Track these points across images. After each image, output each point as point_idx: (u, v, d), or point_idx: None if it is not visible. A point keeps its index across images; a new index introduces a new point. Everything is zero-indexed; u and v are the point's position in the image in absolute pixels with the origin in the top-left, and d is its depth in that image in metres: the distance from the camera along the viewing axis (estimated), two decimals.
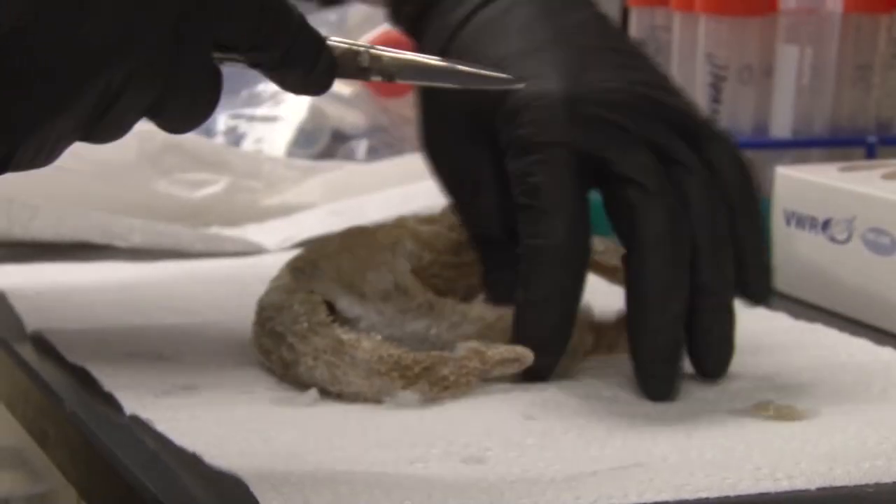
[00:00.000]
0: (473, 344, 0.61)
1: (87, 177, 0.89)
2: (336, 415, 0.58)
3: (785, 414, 0.58)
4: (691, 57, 0.93)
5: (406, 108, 1.08)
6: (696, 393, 0.60)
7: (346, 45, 0.59)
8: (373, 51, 0.59)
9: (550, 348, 0.61)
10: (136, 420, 0.57)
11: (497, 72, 0.61)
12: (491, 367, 0.61)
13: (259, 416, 0.58)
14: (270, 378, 0.62)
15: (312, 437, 0.55)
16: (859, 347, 0.68)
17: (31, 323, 0.68)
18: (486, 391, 0.61)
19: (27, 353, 0.66)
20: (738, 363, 0.64)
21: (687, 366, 0.62)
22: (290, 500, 0.49)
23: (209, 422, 0.57)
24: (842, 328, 0.71)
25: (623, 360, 0.63)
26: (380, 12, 1.11)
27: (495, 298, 0.64)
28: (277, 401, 0.60)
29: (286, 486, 0.50)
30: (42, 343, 0.67)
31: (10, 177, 0.80)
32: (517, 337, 0.61)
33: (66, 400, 0.60)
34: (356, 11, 1.11)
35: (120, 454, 0.55)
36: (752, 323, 0.72)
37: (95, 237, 0.85)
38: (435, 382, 0.60)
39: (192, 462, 0.53)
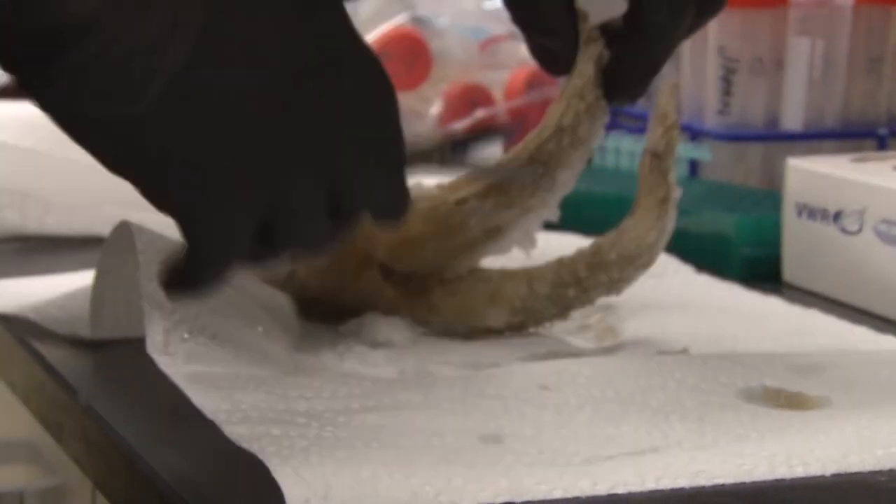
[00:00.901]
0: None
1: (101, 171, 0.90)
2: (352, 384, 0.58)
3: (796, 403, 0.59)
4: (703, 49, 0.93)
5: (417, 101, 1.08)
6: (707, 375, 0.61)
7: None
8: None
9: None
10: (148, 393, 0.57)
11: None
12: None
13: (278, 381, 0.58)
14: (286, 354, 0.62)
15: (330, 408, 0.55)
16: (861, 335, 0.68)
17: (47, 321, 0.68)
18: (502, 359, 0.62)
19: (43, 346, 0.67)
20: (746, 347, 0.64)
21: (690, 347, 0.64)
22: (312, 485, 0.49)
23: (228, 385, 0.57)
24: (841, 315, 0.71)
25: (628, 338, 0.64)
26: (391, 5, 1.11)
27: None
28: (294, 375, 0.60)
29: (307, 469, 0.50)
30: (55, 336, 0.67)
31: (24, 170, 0.80)
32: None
33: (81, 392, 0.60)
34: (367, 5, 1.11)
35: (135, 446, 0.55)
36: (758, 308, 0.72)
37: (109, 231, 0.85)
38: None
39: (209, 452, 0.54)
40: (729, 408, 0.58)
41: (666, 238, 0.68)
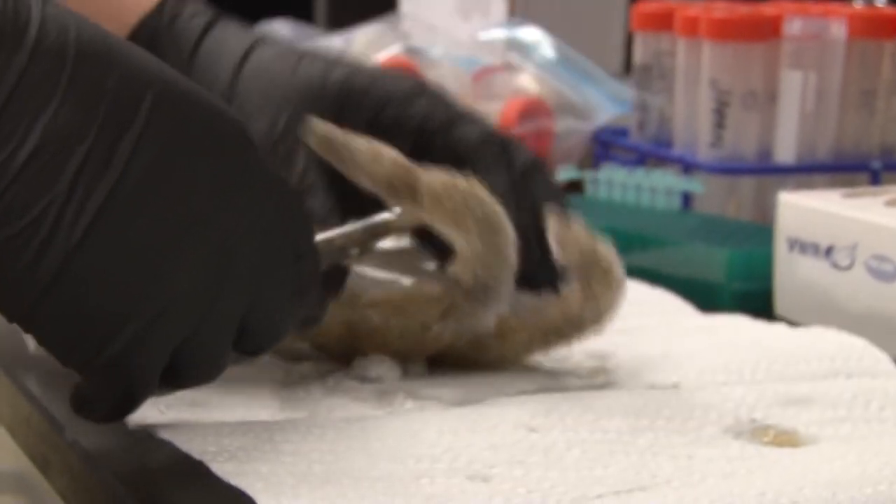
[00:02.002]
0: None
1: None
2: (340, 425, 0.58)
3: (784, 440, 0.58)
4: (695, 82, 0.93)
5: None
6: (696, 412, 0.60)
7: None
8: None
9: None
10: (139, 438, 0.57)
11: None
12: None
13: (266, 425, 0.58)
14: (275, 391, 0.62)
15: (318, 449, 0.56)
16: (856, 355, 0.68)
17: (35, 348, 0.68)
18: (491, 395, 0.62)
19: (29, 378, 0.66)
20: (736, 377, 0.64)
21: (681, 380, 0.63)
22: None
23: (214, 432, 0.57)
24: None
25: (620, 368, 0.64)
26: (385, 35, 1.11)
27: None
28: (283, 415, 0.61)
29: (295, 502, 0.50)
30: (44, 369, 0.67)
31: None
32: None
33: (68, 427, 0.60)
34: (362, 36, 1.11)
35: (120, 482, 0.55)
36: (750, 333, 0.72)
37: None
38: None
39: (195, 488, 0.53)
40: (718, 445, 0.58)
41: (623, 289, 0.65)
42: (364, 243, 0.63)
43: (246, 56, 0.69)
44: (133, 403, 0.55)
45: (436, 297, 0.63)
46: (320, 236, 0.61)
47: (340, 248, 0.63)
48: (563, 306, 0.64)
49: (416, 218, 0.63)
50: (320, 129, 0.62)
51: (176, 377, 0.56)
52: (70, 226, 0.51)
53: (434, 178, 0.62)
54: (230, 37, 0.70)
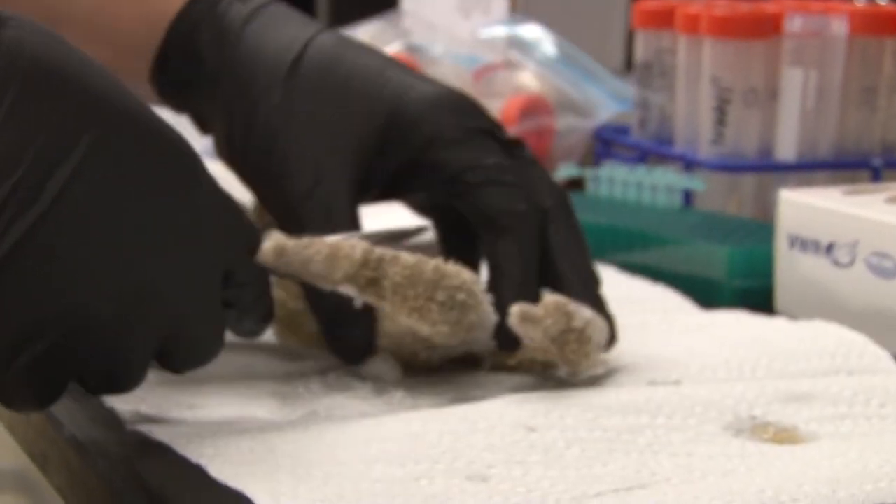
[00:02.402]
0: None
1: None
2: (339, 425, 0.58)
3: (784, 437, 0.58)
4: (696, 80, 0.93)
5: None
6: (696, 408, 0.60)
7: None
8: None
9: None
10: (137, 438, 0.57)
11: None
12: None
13: (263, 427, 0.58)
14: (273, 394, 0.62)
15: (317, 450, 0.55)
16: (857, 351, 0.68)
17: None
18: (490, 394, 0.62)
19: None
20: (737, 374, 0.64)
21: (681, 378, 0.63)
22: None
23: (212, 433, 0.57)
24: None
25: (620, 365, 0.64)
26: (386, 33, 1.11)
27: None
28: (281, 414, 0.60)
29: None
30: None
31: None
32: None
33: (66, 424, 0.60)
34: (362, 34, 1.11)
35: (118, 480, 0.55)
36: (754, 326, 0.72)
37: None
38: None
39: (194, 486, 0.53)
40: (717, 443, 0.58)
41: (604, 341, 0.64)
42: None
43: (298, 59, 0.66)
44: (44, 403, 0.54)
45: (421, 338, 0.63)
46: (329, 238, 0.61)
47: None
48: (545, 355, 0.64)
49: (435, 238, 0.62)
50: (269, 251, 0.59)
51: (87, 386, 0.55)
52: None
53: (398, 267, 0.61)
54: (280, 29, 0.67)
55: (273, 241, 0.59)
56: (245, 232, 0.58)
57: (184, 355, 0.56)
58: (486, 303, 0.62)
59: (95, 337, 0.53)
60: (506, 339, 0.63)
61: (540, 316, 0.61)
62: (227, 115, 0.67)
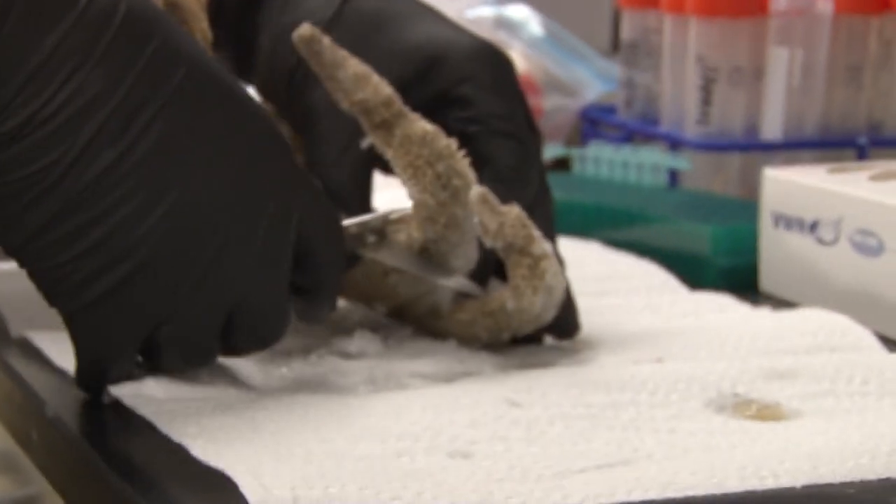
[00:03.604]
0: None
1: None
2: (322, 403, 0.58)
3: (767, 414, 0.58)
4: (682, 59, 0.93)
5: None
6: (679, 385, 0.60)
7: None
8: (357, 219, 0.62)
9: None
10: (120, 418, 0.57)
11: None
12: None
13: (247, 404, 0.58)
14: (257, 373, 0.63)
15: (299, 429, 0.56)
16: (839, 330, 0.68)
17: (16, 327, 0.68)
18: (473, 370, 0.62)
19: (11, 356, 0.66)
20: (718, 352, 0.64)
21: (664, 355, 0.64)
22: (280, 500, 0.49)
23: (195, 410, 0.57)
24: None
25: (603, 343, 0.64)
26: None
27: None
28: (264, 390, 0.61)
29: (275, 483, 0.50)
30: (27, 346, 0.67)
31: None
32: None
33: (49, 403, 0.60)
34: None
35: (102, 459, 0.55)
36: (736, 314, 0.72)
37: None
38: None
39: (176, 465, 0.53)
40: (700, 419, 0.58)
41: (556, 297, 0.63)
42: (381, 232, 0.63)
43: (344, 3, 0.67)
44: (108, 365, 0.57)
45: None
46: None
47: (356, 236, 0.63)
48: (499, 297, 0.64)
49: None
50: (307, 32, 0.61)
51: (157, 357, 0.57)
52: (74, 180, 0.54)
53: (417, 125, 0.61)
54: None
55: (313, 28, 0.60)
56: (324, 209, 0.59)
57: (248, 331, 0.58)
58: (474, 218, 0.62)
59: (163, 282, 0.55)
60: (479, 276, 0.63)
61: (501, 209, 0.61)
62: (274, 29, 0.68)
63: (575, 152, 0.94)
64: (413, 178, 0.61)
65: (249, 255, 0.57)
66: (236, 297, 0.57)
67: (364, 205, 0.66)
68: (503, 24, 1.09)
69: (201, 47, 0.58)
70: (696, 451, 0.54)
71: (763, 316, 0.71)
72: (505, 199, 0.62)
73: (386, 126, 0.61)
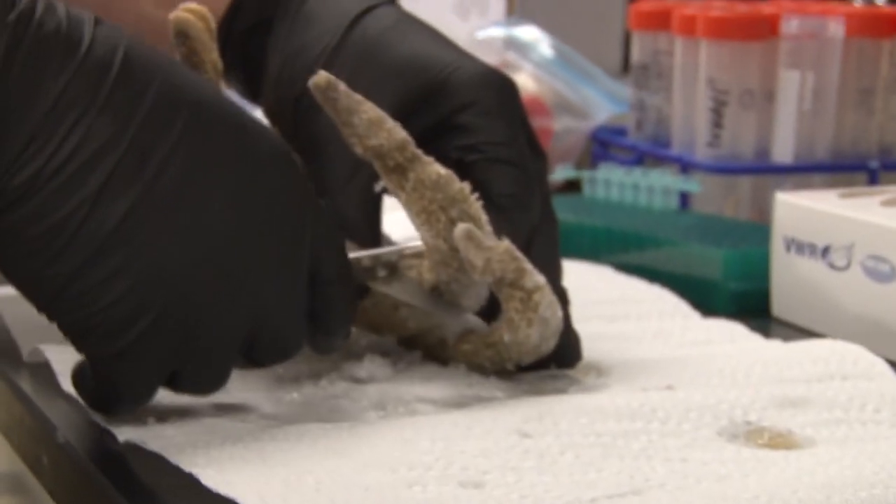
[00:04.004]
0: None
1: None
2: (331, 432, 0.58)
3: (779, 442, 0.58)
4: (693, 81, 0.93)
5: None
6: (690, 414, 0.60)
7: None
8: (371, 252, 0.63)
9: None
10: (130, 445, 0.57)
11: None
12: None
13: (256, 434, 0.58)
14: (266, 400, 0.62)
15: (309, 457, 0.55)
16: (851, 358, 0.67)
17: (28, 350, 0.68)
18: (480, 400, 0.62)
19: (23, 379, 0.66)
20: (730, 380, 0.64)
21: (675, 383, 0.63)
22: None
23: (204, 442, 0.57)
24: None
25: (614, 371, 0.64)
26: None
27: None
28: (274, 420, 0.60)
29: None
30: (38, 371, 0.67)
31: None
32: None
33: (60, 428, 0.60)
34: None
35: (111, 484, 0.55)
36: (748, 344, 0.72)
37: None
38: None
39: (186, 493, 0.53)
40: (712, 448, 0.57)
41: (553, 327, 0.63)
42: (393, 266, 0.63)
43: (357, 20, 0.68)
44: (131, 400, 0.58)
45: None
46: (349, 255, 0.61)
47: (368, 269, 0.63)
48: (498, 330, 0.63)
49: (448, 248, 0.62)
50: (322, 80, 0.61)
51: (178, 382, 0.58)
52: (96, 227, 0.54)
53: (431, 169, 0.61)
54: None
55: (328, 75, 0.60)
56: (333, 230, 0.60)
57: (267, 347, 0.58)
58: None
59: (190, 315, 0.56)
60: (489, 312, 0.63)
61: (487, 245, 0.61)
62: (281, 55, 0.68)
63: (585, 174, 0.94)
64: (426, 223, 0.61)
65: (269, 280, 0.57)
66: (257, 320, 0.58)
67: (373, 231, 0.66)
68: (513, 45, 1.09)
69: (206, 82, 0.58)
70: (709, 480, 0.54)
71: (775, 346, 0.71)
72: (505, 228, 0.62)
73: (400, 170, 0.61)
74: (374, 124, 0.61)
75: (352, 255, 0.62)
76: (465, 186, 0.62)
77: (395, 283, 0.63)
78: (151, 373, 0.57)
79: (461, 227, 0.61)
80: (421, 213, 0.61)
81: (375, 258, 0.63)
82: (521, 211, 0.64)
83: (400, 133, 0.61)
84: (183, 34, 0.63)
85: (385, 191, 0.63)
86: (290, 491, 0.52)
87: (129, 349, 0.56)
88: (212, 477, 0.54)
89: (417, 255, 0.63)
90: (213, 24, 0.64)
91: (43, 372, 0.66)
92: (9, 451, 0.68)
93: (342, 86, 0.61)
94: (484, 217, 0.62)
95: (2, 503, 0.78)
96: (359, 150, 0.61)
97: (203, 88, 0.57)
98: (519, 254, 0.62)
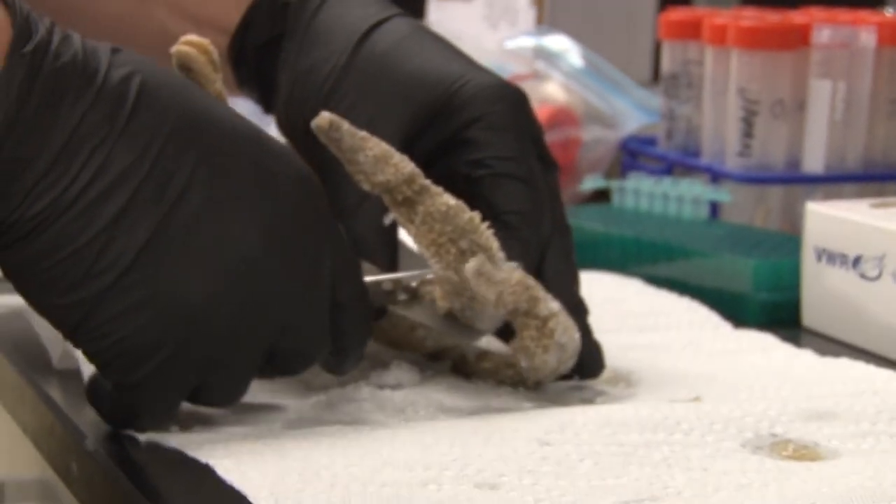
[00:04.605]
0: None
1: None
2: (352, 433, 0.59)
3: (804, 454, 0.58)
4: (723, 91, 0.92)
5: None
6: (715, 425, 0.60)
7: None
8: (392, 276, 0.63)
9: None
10: (152, 447, 0.58)
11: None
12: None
13: (276, 433, 0.59)
14: (292, 403, 0.63)
15: (327, 453, 0.56)
16: (882, 378, 0.67)
17: (58, 356, 0.69)
18: (509, 405, 0.62)
19: (52, 387, 0.67)
20: (759, 394, 0.63)
21: (702, 395, 0.63)
22: None
23: (225, 440, 0.57)
24: (867, 362, 0.70)
25: (641, 383, 0.64)
26: None
27: None
28: (293, 418, 0.61)
29: None
30: (68, 379, 0.67)
31: None
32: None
33: (89, 436, 0.60)
34: None
35: (140, 492, 0.55)
36: (778, 356, 0.71)
37: None
38: None
39: (209, 499, 0.53)
40: (734, 458, 0.57)
41: (570, 351, 0.63)
42: (413, 291, 0.63)
43: (366, 35, 0.67)
44: (151, 421, 0.58)
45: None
46: (369, 279, 0.61)
47: (388, 293, 0.63)
48: (516, 353, 0.63)
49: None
50: (324, 122, 0.61)
51: (199, 397, 0.58)
52: (116, 254, 0.54)
53: (440, 200, 0.61)
54: (358, 6, 0.68)
55: (331, 115, 0.60)
56: (350, 253, 0.60)
57: (287, 361, 0.59)
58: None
59: (212, 342, 0.56)
60: (506, 332, 0.63)
61: (499, 278, 0.61)
62: (291, 74, 0.68)
63: (614, 184, 0.94)
64: (436, 255, 0.61)
65: (291, 301, 0.57)
66: (280, 332, 0.58)
67: (389, 251, 0.66)
68: (543, 54, 1.09)
69: (223, 105, 0.58)
70: (728, 489, 0.54)
71: (805, 361, 0.71)
72: (515, 246, 0.62)
73: (408, 203, 0.61)
74: (380, 160, 0.61)
75: (373, 278, 0.62)
76: (475, 216, 0.61)
77: (415, 306, 0.63)
78: (172, 395, 0.57)
79: (471, 265, 0.60)
80: (430, 246, 0.61)
81: (396, 282, 0.63)
82: (530, 228, 0.64)
83: (407, 166, 0.61)
84: (185, 67, 0.63)
85: (395, 222, 0.63)
86: (305, 486, 0.52)
87: (150, 377, 0.56)
88: (228, 468, 0.54)
89: (437, 280, 0.63)
90: (216, 56, 0.64)
91: (72, 380, 0.66)
92: (39, 459, 0.68)
93: (345, 125, 0.60)
94: (495, 245, 0.61)
95: None
96: (366, 186, 0.61)
97: (221, 112, 0.57)
98: (532, 281, 0.62)
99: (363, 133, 0.61)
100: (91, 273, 0.54)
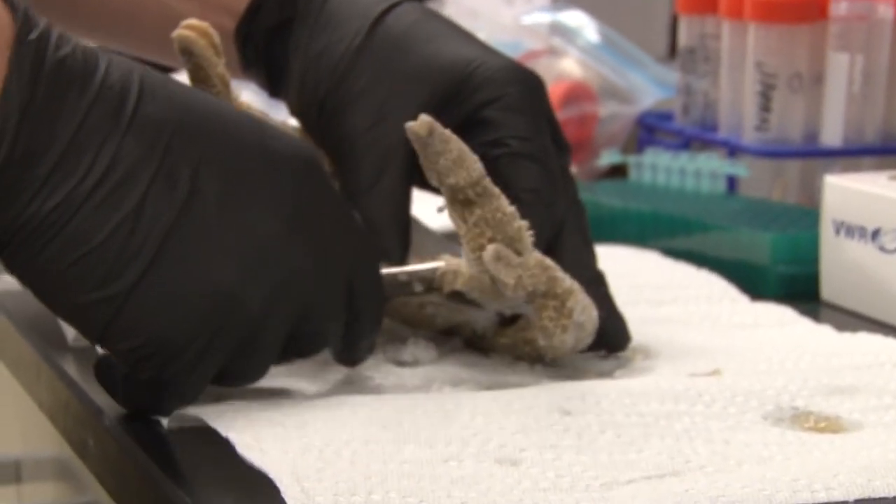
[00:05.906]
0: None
1: None
2: (372, 403, 0.58)
3: (825, 427, 0.58)
4: (741, 65, 0.92)
5: None
6: (736, 397, 0.60)
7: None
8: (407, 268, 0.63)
9: None
10: (174, 428, 0.58)
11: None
12: None
13: (294, 406, 0.59)
14: (309, 377, 0.63)
15: (349, 428, 0.56)
16: None
17: (73, 334, 0.69)
18: (528, 380, 0.62)
19: (68, 364, 0.67)
20: (779, 367, 0.63)
21: (722, 368, 0.63)
22: None
23: (245, 410, 0.58)
24: (886, 335, 0.70)
25: (661, 355, 0.63)
26: None
27: None
28: (314, 392, 0.61)
29: (318, 490, 0.50)
30: (84, 355, 0.67)
31: None
32: None
33: (106, 412, 0.60)
34: None
35: (157, 467, 0.55)
36: (797, 330, 0.71)
37: None
38: None
39: (228, 474, 0.53)
40: (756, 431, 0.57)
41: (588, 329, 0.63)
42: (430, 282, 0.63)
43: (379, 19, 0.67)
44: (176, 405, 0.58)
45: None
46: (385, 270, 0.61)
47: (404, 284, 0.63)
48: (534, 330, 0.63)
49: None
50: (423, 129, 0.60)
51: (223, 379, 0.58)
52: (139, 247, 0.54)
53: (497, 204, 0.61)
54: None
55: (431, 123, 0.60)
56: (368, 243, 0.60)
57: (306, 344, 0.59)
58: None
59: (244, 327, 0.56)
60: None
61: (516, 261, 0.61)
62: (304, 57, 0.68)
63: (631, 159, 0.94)
64: (478, 259, 0.61)
65: (313, 280, 0.57)
66: (303, 312, 0.58)
67: (401, 230, 0.65)
68: (559, 30, 1.09)
69: (220, 102, 0.58)
70: (749, 462, 0.54)
71: (824, 333, 0.70)
72: (530, 223, 0.62)
73: (467, 204, 0.62)
74: (456, 163, 0.61)
75: (389, 270, 0.62)
76: (523, 225, 0.62)
77: (430, 297, 0.64)
78: (199, 382, 0.57)
79: (490, 250, 0.61)
80: (476, 250, 0.62)
81: (413, 274, 0.63)
82: (545, 207, 0.64)
83: (478, 170, 0.61)
84: (187, 51, 0.63)
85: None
86: (325, 465, 0.52)
87: (185, 366, 0.56)
88: (248, 444, 0.54)
89: (454, 270, 0.63)
90: (217, 39, 0.64)
91: (88, 356, 0.66)
92: (55, 436, 0.68)
93: (438, 129, 0.61)
94: (537, 261, 0.62)
95: (49, 487, 0.79)
96: (435, 182, 0.62)
97: (221, 104, 0.57)
98: (550, 262, 0.62)
99: (447, 133, 0.61)
100: (116, 268, 0.54)
